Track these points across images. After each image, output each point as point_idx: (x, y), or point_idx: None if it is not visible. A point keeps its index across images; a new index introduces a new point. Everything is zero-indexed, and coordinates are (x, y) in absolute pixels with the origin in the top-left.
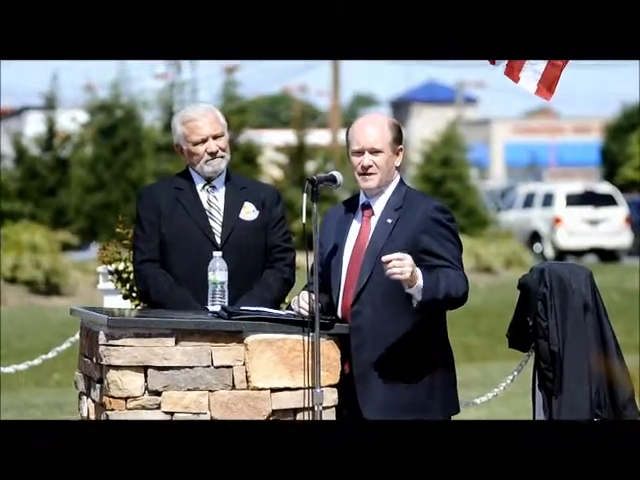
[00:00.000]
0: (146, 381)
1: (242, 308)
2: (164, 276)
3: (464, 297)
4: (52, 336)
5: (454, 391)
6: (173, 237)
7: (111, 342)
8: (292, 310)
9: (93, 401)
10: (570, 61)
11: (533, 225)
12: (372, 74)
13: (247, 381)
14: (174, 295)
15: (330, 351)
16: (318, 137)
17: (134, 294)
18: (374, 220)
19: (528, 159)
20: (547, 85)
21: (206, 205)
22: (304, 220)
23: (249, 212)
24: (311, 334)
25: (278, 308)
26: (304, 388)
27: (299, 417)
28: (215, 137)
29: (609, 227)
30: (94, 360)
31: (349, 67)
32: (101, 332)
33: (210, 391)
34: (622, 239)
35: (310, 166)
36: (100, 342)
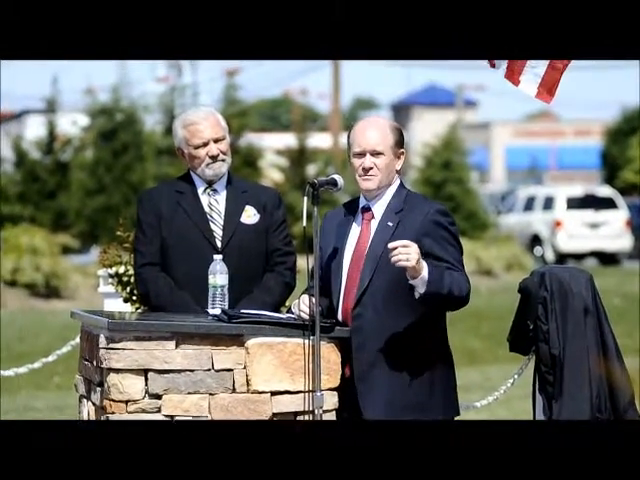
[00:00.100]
0: (146, 384)
1: (242, 311)
2: (164, 279)
3: (467, 297)
4: (52, 339)
5: (454, 393)
6: (174, 241)
7: (111, 345)
8: (292, 313)
9: (93, 404)
10: (570, 64)
11: (534, 228)
12: (373, 77)
13: (247, 384)
14: (174, 298)
15: (330, 354)
16: (319, 140)
17: (134, 297)
18: (374, 223)
19: (528, 162)
20: (547, 88)
21: (207, 209)
22: (305, 223)
23: (250, 216)
24: (311, 337)
25: (279, 312)
26: (304, 391)
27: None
28: (216, 140)
29: (609, 230)
30: (94, 363)
31: (350, 70)
32: (101, 335)
33: (210, 394)
34: (622, 242)
35: (311, 169)
36: (100, 345)
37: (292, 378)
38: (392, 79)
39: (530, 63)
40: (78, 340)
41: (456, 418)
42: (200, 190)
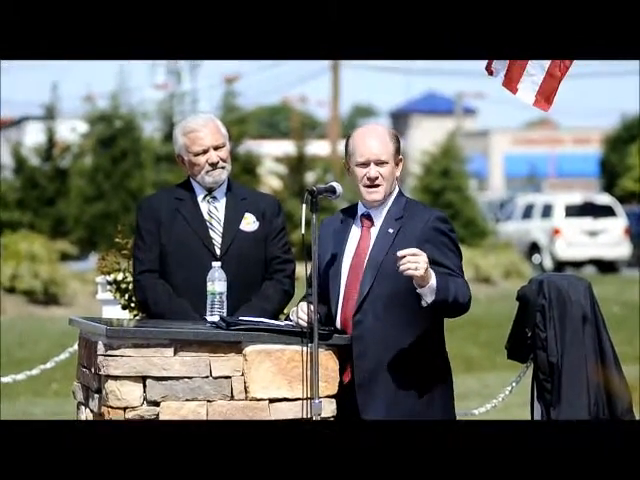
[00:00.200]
0: (145, 391)
1: (241, 319)
2: (163, 286)
3: (468, 304)
4: (50, 346)
5: (452, 401)
6: (173, 248)
7: (110, 352)
8: (291, 321)
9: (91, 411)
10: (569, 72)
11: (532, 236)
12: (372, 85)
13: (246, 391)
14: (173, 306)
15: (329, 362)
16: (317, 148)
17: (133, 304)
18: (374, 230)
19: (527, 170)
20: (545, 96)
21: (206, 216)
22: (303, 231)
23: (249, 223)
24: (310, 345)
25: (277, 319)
26: (303, 399)
27: None
28: (216, 148)
29: (608, 238)
30: (92, 370)
31: (349, 78)
32: (100, 342)
33: (208, 401)
34: (621, 250)
35: (309, 177)
36: (99, 352)
37: (290, 385)
38: (391, 87)
39: (528, 71)
40: (76, 347)
41: None
42: (200, 197)
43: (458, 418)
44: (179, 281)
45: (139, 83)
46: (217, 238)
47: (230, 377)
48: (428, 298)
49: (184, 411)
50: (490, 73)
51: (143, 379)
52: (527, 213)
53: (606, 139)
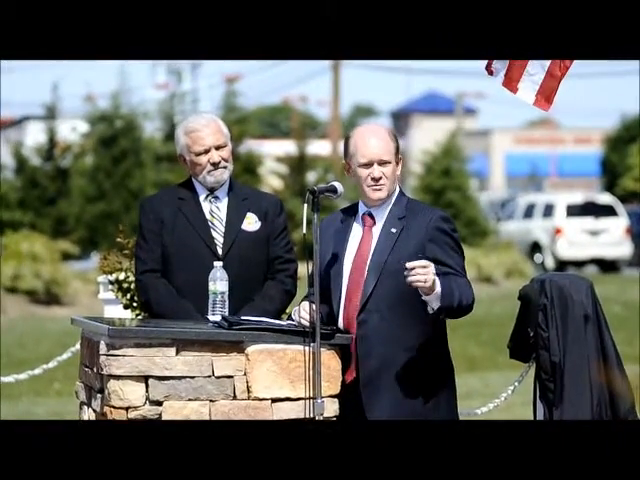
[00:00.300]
0: (147, 391)
1: (243, 318)
2: (165, 286)
3: (472, 305)
4: (52, 346)
5: (455, 400)
6: (175, 248)
7: (112, 352)
8: (293, 320)
9: (94, 411)
10: (569, 72)
11: (533, 236)
12: (372, 85)
13: (248, 391)
14: (175, 305)
15: (331, 361)
16: (318, 147)
17: (135, 304)
18: (376, 230)
19: (528, 170)
20: (545, 96)
21: (208, 216)
22: (304, 230)
23: (251, 223)
24: (312, 344)
25: (279, 319)
26: (305, 398)
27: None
28: (218, 147)
29: (609, 238)
30: (95, 370)
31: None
32: (102, 342)
33: (211, 401)
34: (622, 250)
35: (310, 176)
36: (101, 352)
37: (292, 385)
38: (392, 86)
39: (528, 71)
40: (78, 347)
41: None
42: (201, 197)
43: (460, 417)
44: (181, 281)
45: (140, 83)
46: (219, 238)
47: (232, 377)
48: (434, 304)
49: (186, 411)
50: (490, 73)
51: (145, 379)
52: (528, 213)
53: (607, 139)
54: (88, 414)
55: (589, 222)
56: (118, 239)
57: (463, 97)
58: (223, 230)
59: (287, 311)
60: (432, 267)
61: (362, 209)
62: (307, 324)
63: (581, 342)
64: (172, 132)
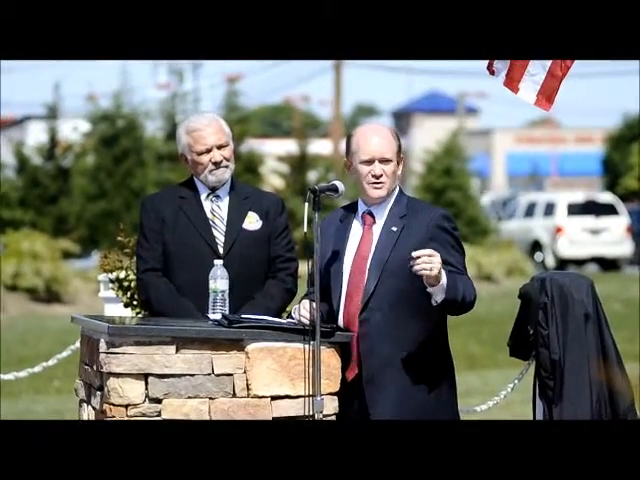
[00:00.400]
0: (147, 389)
1: (243, 316)
2: (166, 285)
3: (474, 302)
4: (52, 344)
5: (455, 398)
6: (176, 246)
7: (112, 350)
8: (293, 318)
9: (93, 409)
10: (571, 72)
11: (534, 234)
12: (374, 84)
13: (248, 389)
14: (176, 304)
15: (331, 359)
16: (320, 147)
17: (135, 302)
18: (376, 228)
19: (530, 169)
20: (547, 96)
21: (210, 215)
22: (306, 229)
23: (252, 222)
24: (312, 342)
25: (280, 318)
26: (304, 396)
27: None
28: (219, 147)
29: (610, 237)
30: (94, 368)
31: (351, 77)
32: (102, 340)
33: (210, 399)
34: (623, 248)
35: (312, 176)
36: (101, 350)
37: (292, 383)
38: (393, 86)
39: (529, 71)
40: (78, 345)
41: None
42: (203, 196)
43: (460, 415)
44: (182, 280)
45: (141, 82)
46: (220, 237)
47: (232, 375)
48: (438, 297)
49: (186, 408)
50: (492, 73)
51: (145, 376)
52: (529, 211)
53: (608, 138)
54: (88, 412)
55: (590, 221)
56: (119, 238)
57: (465, 97)
58: (224, 229)
59: (287, 309)
60: (438, 256)
61: (362, 208)
62: (307, 322)
63: (581, 340)
64: (173, 131)
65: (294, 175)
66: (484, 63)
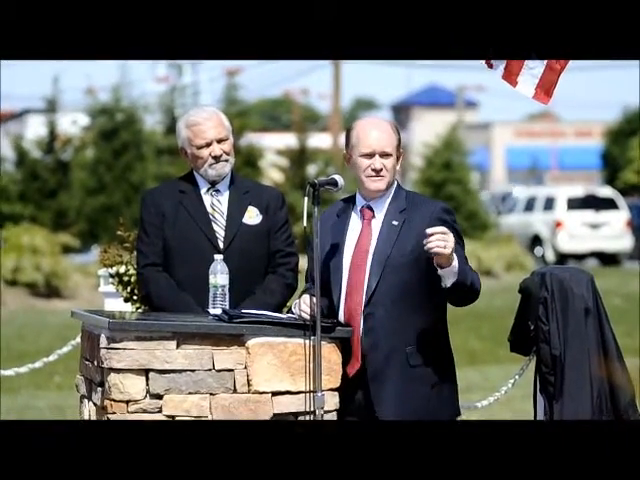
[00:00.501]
0: (147, 384)
1: (243, 311)
2: (166, 280)
3: (479, 292)
4: (53, 339)
5: (456, 393)
6: (176, 241)
7: (112, 345)
8: (293, 313)
9: (94, 404)
10: (569, 65)
11: (534, 229)
12: (373, 78)
13: (248, 384)
14: (176, 299)
15: (331, 355)
16: (319, 141)
17: (135, 297)
18: (376, 223)
19: (529, 163)
20: (545, 89)
21: (210, 209)
22: (305, 224)
23: (252, 216)
24: (312, 337)
25: (280, 313)
26: (305, 392)
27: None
28: (219, 141)
29: (610, 231)
30: (95, 363)
31: (350, 71)
32: (102, 335)
33: (211, 394)
34: (623, 243)
35: (311, 169)
36: (101, 345)
37: (293, 378)
38: (392, 79)
39: (528, 64)
40: (79, 340)
41: (457, 418)
42: (203, 190)
43: (461, 410)
44: (182, 275)
45: (140, 76)
46: (220, 231)
47: (233, 370)
48: (449, 280)
49: (187, 404)
50: (490, 66)
51: (146, 372)
52: (529, 206)
53: (608, 132)
54: (88, 407)
55: (590, 215)
56: (118, 232)
57: (464, 90)
58: (224, 223)
59: (288, 304)
60: (451, 235)
61: (360, 202)
62: (308, 317)
63: (581, 335)
64: (173, 125)
65: (293, 169)
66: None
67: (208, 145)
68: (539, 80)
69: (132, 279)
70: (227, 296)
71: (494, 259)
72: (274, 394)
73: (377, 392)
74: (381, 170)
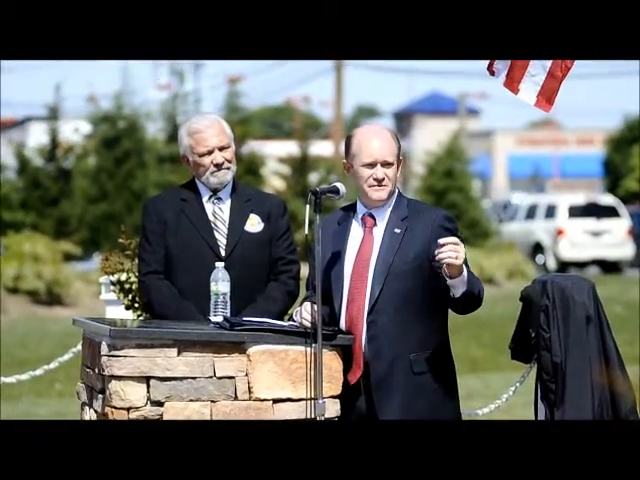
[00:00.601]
0: (148, 392)
1: (244, 319)
2: (168, 288)
3: (483, 300)
4: (54, 346)
5: (458, 401)
6: (178, 249)
7: (113, 352)
8: (294, 321)
9: (95, 412)
10: (571, 72)
11: (536, 236)
12: (375, 85)
13: (249, 392)
14: (178, 307)
15: (332, 362)
16: (321, 148)
17: (136, 305)
18: (378, 231)
19: (531, 171)
20: (547, 97)
21: (211, 217)
22: (307, 231)
23: (254, 224)
24: (313, 345)
25: (281, 320)
26: (306, 399)
27: None
28: (221, 148)
29: (611, 239)
30: (96, 370)
31: (352, 78)
32: (103, 342)
33: (212, 402)
34: (624, 251)
35: (313, 177)
36: (102, 352)
37: (294, 386)
38: (394, 87)
39: (530, 71)
40: (80, 347)
41: None
42: (205, 198)
43: (462, 418)
44: (184, 282)
45: (142, 84)
46: (222, 239)
47: (234, 377)
48: (459, 290)
49: (188, 411)
50: (492, 73)
51: (147, 379)
52: (531, 214)
53: (609, 139)
54: (89, 415)
55: (591, 223)
56: (120, 240)
57: (466, 98)
58: (226, 231)
59: (289, 312)
60: (462, 246)
61: (361, 210)
62: (309, 325)
63: (583, 343)
64: (175, 133)
65: (295, 177)
66: (485, 64)
67: (210, 153)
68: (541, 88)
69: (133, 287)
70: (228, 304)
71: (496, 267)
72: (275, 401)
73: (381, 400)
74: (383, 179)
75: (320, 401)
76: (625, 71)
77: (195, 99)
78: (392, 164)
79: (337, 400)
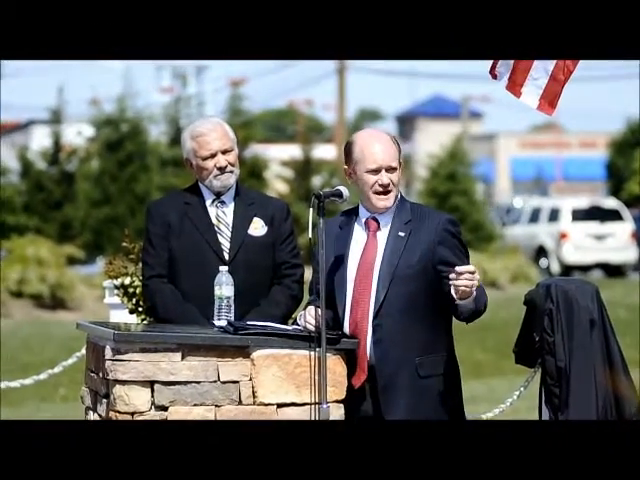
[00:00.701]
0: (152, 396)
1: (248, 323)
2: (172, 291)
3: (486, 308)
4: (58, 351)
5: (462, 406)
6: (181, 253)
7: (117, 357)
8: (298, 325)
9: (99, 416)
10: (573, 76)
11: (539, 240)
12: (377, 89)
13: (254, 396)
14: (182, 311)
15: (336, 366)
16: (324, 152)
17: (140, 309)
18: (381, 235)
19: (534, 174)
20: (549, 100)
21: (215, 220)
22: (310, 235)
23: (258, 228)
24: (317, 349)
25: (285, 324)
26: (310, 404)
27: None
28: (224, 152)
29: (615, 242)
30: (100, 375)
31: (355, 81)
32: (107, 347)
33: (216, 406)
34: (628, 254)
35: (316, 181)
36: (106, 357)
37: (298, 390)
38: (397, 90)
39: (532, 75)
40: (84, 351)
41: None
42: (208, 202)
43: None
44: (187, 286)
45: (145, 87)
46: (225, 243)
47: (238, 382)
48: (466, 308)
49: (192, 416)
50: (494, 77)
51: (151, 384)
52: (534, 217)
53: (612, 143)
54: (94, 419)
55: (594, 227)
56: (124, 243)
57: (469, 101)
58: (229, 235)
59: (293, 316)
60: (477, 273)
61: (364, 214)
62: (313, 329)
63: (587, 347)
64: (177, 136)
65: (298, 180)
66: (487, 67)
67: (213, 156)
68: (543, 91)
69: (137, 291)
70: (232, 308)
71: (499, 270)
72: (279, 406)
73: (387, 404)
74: (388, 185)
75: (324, 405)
76: (627, 74)
77: (198, 102)
78: (396, 169)
79: (341, 404)
